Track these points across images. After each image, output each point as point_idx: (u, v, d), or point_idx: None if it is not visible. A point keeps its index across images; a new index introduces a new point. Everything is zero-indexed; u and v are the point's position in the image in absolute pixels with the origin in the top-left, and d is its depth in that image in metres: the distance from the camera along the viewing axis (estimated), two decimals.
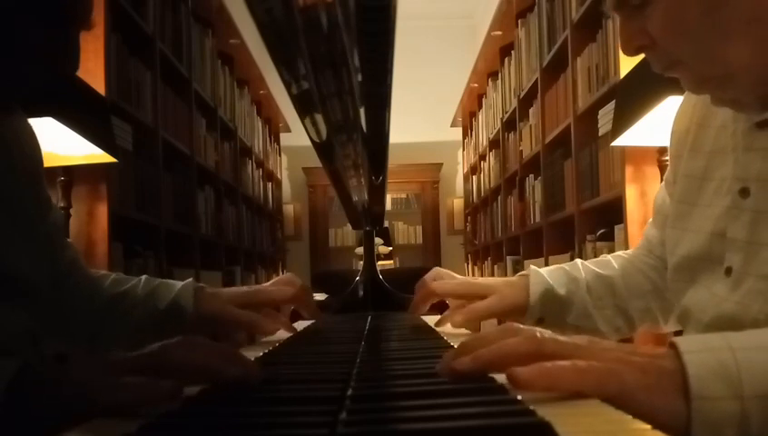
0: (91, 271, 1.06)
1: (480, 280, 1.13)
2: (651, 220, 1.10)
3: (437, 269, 1.17)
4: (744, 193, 0.76)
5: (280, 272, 6.83)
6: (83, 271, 1.03)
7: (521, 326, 0.60)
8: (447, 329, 1.09)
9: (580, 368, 0.52)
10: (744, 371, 0.51)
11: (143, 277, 1.06)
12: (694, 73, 0.73)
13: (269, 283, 1.14)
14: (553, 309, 1.06)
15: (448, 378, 0.56)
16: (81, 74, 2.08)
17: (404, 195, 7.75)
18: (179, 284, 1.05)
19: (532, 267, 1.09)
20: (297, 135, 6.91)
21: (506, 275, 4.97)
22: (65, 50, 0.74)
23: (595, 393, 0.51)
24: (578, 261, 1.11)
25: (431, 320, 1.16)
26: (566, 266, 1.10)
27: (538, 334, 0.57)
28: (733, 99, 0.74)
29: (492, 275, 5.62)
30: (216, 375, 0.57)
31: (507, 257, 4.99)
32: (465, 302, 1.10)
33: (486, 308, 1.05)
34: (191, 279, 1.07)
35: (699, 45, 0.69)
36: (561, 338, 0.57)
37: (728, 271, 0.77)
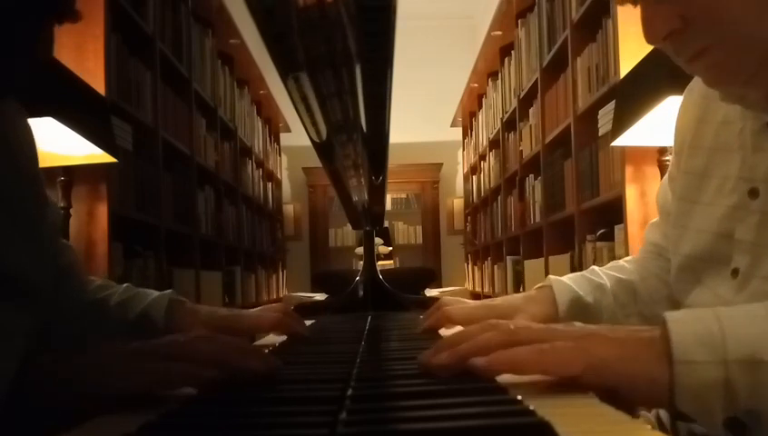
0: (83, 276, 1.04)
1: (499, 301, 1.07)
2: (652, 222, 1.08)
3: (446, 298, 1.11)
4: (753, 193, 0.75)
5: (280, 273, 6.83)
6: (79, 275, 1.03)
7: (500, 321, 0.60)
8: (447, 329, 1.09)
9: (540, 349, 0.53)
10: (729, 337, 0.51)
11: (124, 285, 1.01)
12: (721, 60, 0.68)
13: (256, 310, 1.07)
14: (581, 318, 1.01)
15: (426, 372, 0.57)
16: (81, 74, 2.08)
17: (404, 195, 7.75)
18: (153, 295, 0.99)
19: (552, 277, 1.04)
20: (297, 135, 6.91)
21: (505, 275, 4.98)
22: (41, 39, 0.73)
23: (558, 373, 0.52)
24: (595, 267, 1.07)
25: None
26: (586, 273, 1.06)
27: (512, 326, 0.57)
28: (742, 96, 0.73)
29: (492, 275, 5.62)
30: (236, 367, 0.57)
31: (507, 257, 4.99)
32: None
33: None
34: (169, 290, 1.01)
35: (737, 26, 0.66)
36: (535, 325, 0.58)
37: (734, 272, 0.76)
